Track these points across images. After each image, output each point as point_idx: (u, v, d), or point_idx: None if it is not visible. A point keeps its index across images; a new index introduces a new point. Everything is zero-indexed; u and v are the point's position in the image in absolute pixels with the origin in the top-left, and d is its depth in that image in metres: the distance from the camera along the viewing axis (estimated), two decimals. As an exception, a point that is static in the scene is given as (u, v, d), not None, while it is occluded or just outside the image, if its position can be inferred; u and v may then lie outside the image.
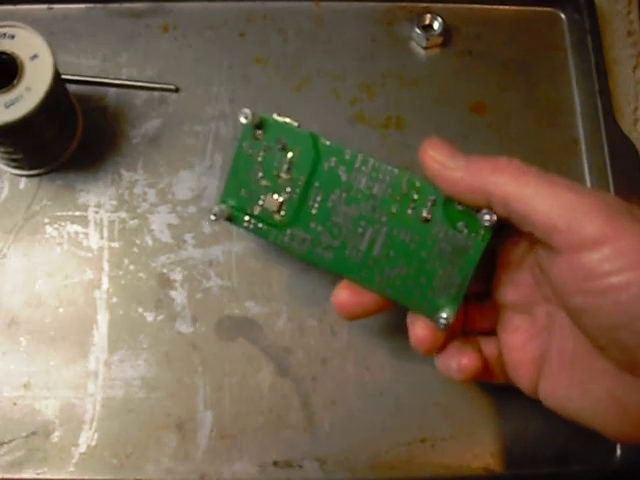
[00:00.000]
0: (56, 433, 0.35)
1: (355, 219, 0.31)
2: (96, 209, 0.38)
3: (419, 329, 0.31)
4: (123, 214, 0.38)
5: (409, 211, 0.30)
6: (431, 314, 0.30)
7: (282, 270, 0.37)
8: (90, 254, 0.37)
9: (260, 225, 0.32)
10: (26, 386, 0.35)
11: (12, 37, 0.35)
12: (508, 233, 0.30)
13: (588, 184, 0.40)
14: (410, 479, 0.35)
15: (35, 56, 0.35)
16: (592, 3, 0.42)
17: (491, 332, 0.33)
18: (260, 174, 0.32)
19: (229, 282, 0.37)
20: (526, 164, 0.28)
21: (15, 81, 0.34)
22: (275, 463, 0.35)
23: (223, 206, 0.32)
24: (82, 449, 0.35)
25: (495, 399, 0.36)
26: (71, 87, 0.39)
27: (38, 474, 0.34)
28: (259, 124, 0.31)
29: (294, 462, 0.35)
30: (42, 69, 0.35)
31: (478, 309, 0.33)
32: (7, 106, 0.34)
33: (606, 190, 0.39)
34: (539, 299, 0.31)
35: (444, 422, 0.36)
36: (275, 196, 0.32)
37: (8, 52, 0.35)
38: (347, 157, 0.31)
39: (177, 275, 0.37)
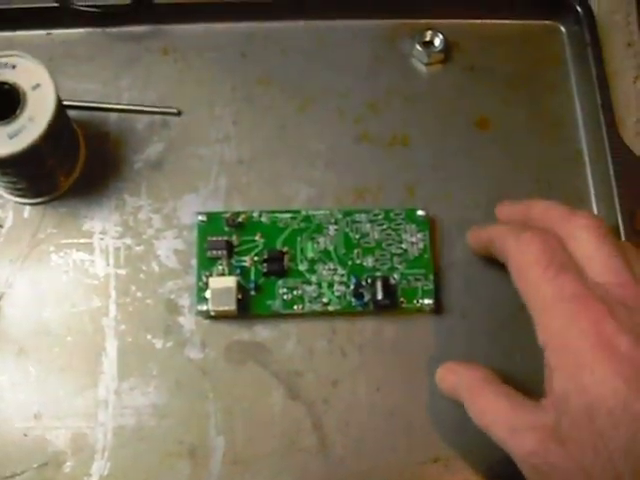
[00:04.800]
0: (68, 463, 0.34)
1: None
2: (101, 236, 0.38)
3: None
4: (128, 240, 0.38)
5: None
6: None
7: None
8: (97, 281, 0.37)
9: None
10: (36, 416, 0.35)
11: (13, 67, 0.35)
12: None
13: (592, 196, 0.40)
14: (424, 499, 0.35)
15: (37, 85, 0.35)
16: (591, 15, 0.42)
17: None
18: None
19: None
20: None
21: (18, 111, 0.34)
22: (289, 487, 0.35)
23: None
24: (94, 479, 0.34)
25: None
26: (72, 113, 0.39)
27: (51, 505, 0.34)
28: None
29: (308, 486, 0.35)
30: (44, 98, 0.34)
31: None
32: (10, 137, 0.34)
33: (610, 201, 0.39)
34: None
35: (456, 441, 0.36)
36: None
37: (10, 82, 0.34)
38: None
39: (185, 301, 0.37)
